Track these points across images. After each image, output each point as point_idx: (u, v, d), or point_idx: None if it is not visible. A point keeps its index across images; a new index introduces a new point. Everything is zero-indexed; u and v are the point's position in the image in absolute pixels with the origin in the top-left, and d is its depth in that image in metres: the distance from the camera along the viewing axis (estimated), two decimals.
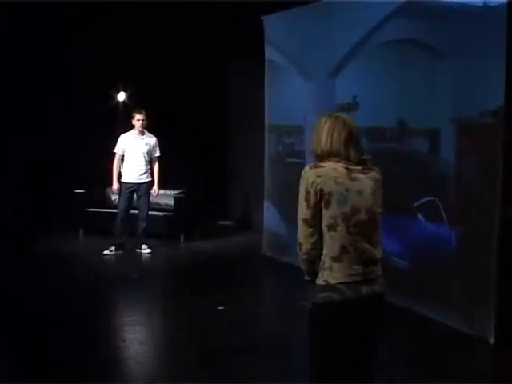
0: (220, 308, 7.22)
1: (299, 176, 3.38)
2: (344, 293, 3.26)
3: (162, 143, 10.19)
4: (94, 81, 11.29)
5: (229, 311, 7.17)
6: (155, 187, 10.19)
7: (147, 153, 10.04)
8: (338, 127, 3.37)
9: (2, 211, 10.83)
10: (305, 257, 3.41)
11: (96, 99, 11.45)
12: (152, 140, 10.11)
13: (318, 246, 3.33)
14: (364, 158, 3.37)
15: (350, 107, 8.11)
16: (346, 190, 3.25)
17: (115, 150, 10.03)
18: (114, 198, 10.98)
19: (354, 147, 3.34)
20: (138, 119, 9.93)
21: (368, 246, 3.30)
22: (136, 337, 6.47)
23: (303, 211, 3.33)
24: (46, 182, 11.54)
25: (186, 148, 12.20)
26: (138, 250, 10.24)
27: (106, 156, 10.09)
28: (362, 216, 3.28)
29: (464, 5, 6.32)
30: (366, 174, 3.34)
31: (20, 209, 11.24)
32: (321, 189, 3.24)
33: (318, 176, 3.27)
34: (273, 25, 9.81)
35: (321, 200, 3.25)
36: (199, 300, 7.62)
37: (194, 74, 11.93)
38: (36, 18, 10.68)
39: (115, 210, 10.23)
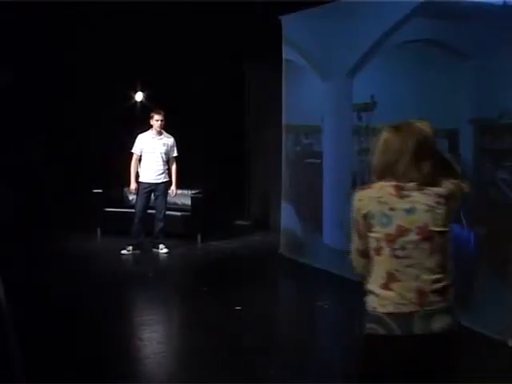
0: (237, 308, 7.22)
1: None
2: (390, 327, 2.83)
3: (179, 143, 10.20)
4: (112, 81, 11.32)
5: (246, 311, 7.16)
6: (173, 187, 10.22)
7: (165, 153, 10.06)
8: (390, 140, 2.92)
9: (20, 211, 10.89)
10: (357, 275, 3.09)
11: (113, 99, 11.49)
12: (170, 140, 10.14)
13: (367, 262, 3.00)
14: (419, 176, 2.85)
15: (368, 107, 8.09)
16: (391, 210, 2.85)
17: (133, 150, 10.06)
18: (132, 197, 11.01)
19: (407, 163, 2.86)
20: (156, 119, 9.94)
21: (422, 271, 2.83)
22: (153, 336, 6.48)
23: (355, 240, 3.01)
24: (63, 181, 11.59)
25: (203, 148, 12.23)
26: (155, 250, 10.27)
27: (123, 156, 10.12)
28: (412, 236, 2.82)
29: (484, 4, 6.28)
30: (421, 190, 2.85)
31: (37, 208, 11.29)
32: (363, 214, 2.91)
33: (360, 200, 2.94)
34: (291, 25, 9.79)
35: (365, 221, 2.92)
36: (216, 300, 7.62)
37: (211, 73, 11.96)
38: (52, 17, 10.72)
39: (133, 210, 10.24)
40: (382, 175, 2.92)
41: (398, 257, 2.84)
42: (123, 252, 10.06)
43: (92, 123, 11.63)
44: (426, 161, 2.86)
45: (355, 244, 3.02)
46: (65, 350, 5.88)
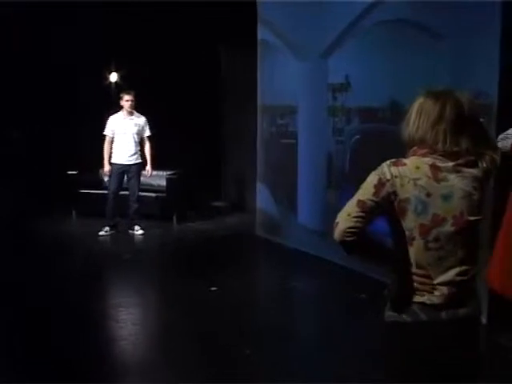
0: (213, 289, 7.23)
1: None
2: (416, 315, 2.66)
3: (155, 124, 10.17)
4: (87, 61, 11.22)
5: (222, 292, 7.17)
6: (148, 167, 10.20)
7: (137, 133, 10.03)
8: (428, 105, 2.67)
9: None
10: (339, 242, 2.58)
11: (88, 80, 11.39)
12: (141, 120, 10.10)
13: (357, 231, 2.55)
14: (457, 149, 2.62)
15: (343, 87, 8.09)
16: (428, 195, 2.59)
17: (105, 133, 10.02)
18: (107, 179, 10.96)
19: (445, 132, 2.62)
20: (126, 100, 9.91)
21: (454, 263, 2.65)
22: (129, 318, 6.46)
23: (365, 193, 2.60)
24: (38, 163, 11.50)
25: (178, 129, 12.16)
26: (130, 232, 10.26)
27: (98, 137, 10.05)
28: (447, 227, 2.61)
29: None
30: (458, 171, 2.63)
31: (11, 190, 11.20)
32: (395, 192, 2.59)
33: (396, 176, 2.59)
34: (266, 5, 9.75)
35: (391, 204, 2.61)
36: (192, 281, 7.62)
37: (186, 54, 11.90)
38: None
39: (108, 192, 10.21)
40: (415, 143, 2.69)
41: (430, 249, 2.62)
42: (101, 233, 10.06)
43: (67, 104, 11.53)
44: (465, 133, 2.64)
45: (363, 196, 2.60)
46: (39, 331, 5.87)
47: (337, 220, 2.58)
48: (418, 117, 2.67)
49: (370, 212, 2.57)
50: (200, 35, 11.59)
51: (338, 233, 2.56)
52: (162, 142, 10.38)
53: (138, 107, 10.06)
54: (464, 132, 2.64)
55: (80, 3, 10.80)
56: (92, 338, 5.83)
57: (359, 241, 2.57)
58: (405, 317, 2.67)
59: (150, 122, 10.13)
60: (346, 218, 2.56)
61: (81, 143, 11.03)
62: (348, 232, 2.54)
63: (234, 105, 12.70)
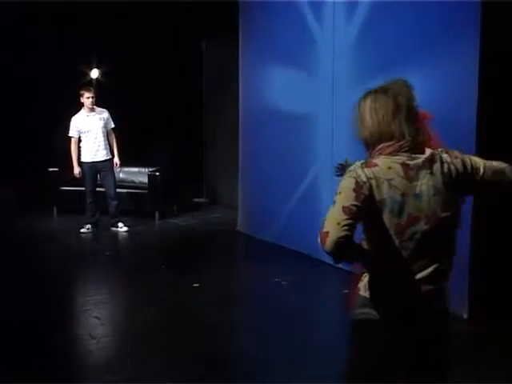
0: (195, 285, 7.23)
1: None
2: (389, 312, 2.69)
3: (136, 120, 10.13)
4: (68, 57, 11.16)
5: (204, 288, 7.17)
6: (116, 159, 10.11)
7: (103, 127, 9.98)
8: (380, 100, 2.63)
9: None
10: (330, 252, 2.49)
11: (69, 76, 11.33)
12: (104, 114, 10.05)
13: (348, 240, 2.49)
14: (422, 139, 2.64)
15: None
16: (402, 195, 2.57)
17: (70, 134, 9.93)
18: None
19: (407, 122, 2.61)
20: (87, 97, 9.85)
21: (428, 261, 2.64)
22: (111, 314, 6.48)
23: (346, 198, 2.53)
24: (18, 160, 11.42)
25: (160, 125, 12.15)
26: (114, 229, 10.22)
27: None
28: (421, 226, 2.59)
29: None
30: (429, 168, 2.62)
31: None
32: (371, 194, 2.56)
33: (371, 178, 2.56)
34: (249, 3, 9.74)
35: (367, 206, 2.56)
36: (174, 277, 7.63)
37: (168, 49, 11.88)
38: None
39: (85, 191, 10.14)
40: (383, 140, 2.63)
41: (405, 248, 2.61)
42: (83, 231, 10.05)
43: (48, 100, 11.46)
44: (419, 122, 2.66)
45: (345, 202, 2.53)
46: (20, 328, 5.85)
47: (325, 229, 2.48)
48: (375, 113, 2.63)
49: (355, 218, 2.51)
50: (182, 32, 11.58)
51: (329, 243, 2.46)
52: (144, 139, 10.35)
53: (126, 105, 10.01)
54: (418, 121, 2.65)
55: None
56: (74, 335, 5.82)
57: (348, 249, 2.53)
58: (376, 314, 2.69)
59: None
60: (335, 227, 2.47)
61: (62, 140, 10.96)
62: (339, 242, 2.46)
63: (216, 102, 12.69)
